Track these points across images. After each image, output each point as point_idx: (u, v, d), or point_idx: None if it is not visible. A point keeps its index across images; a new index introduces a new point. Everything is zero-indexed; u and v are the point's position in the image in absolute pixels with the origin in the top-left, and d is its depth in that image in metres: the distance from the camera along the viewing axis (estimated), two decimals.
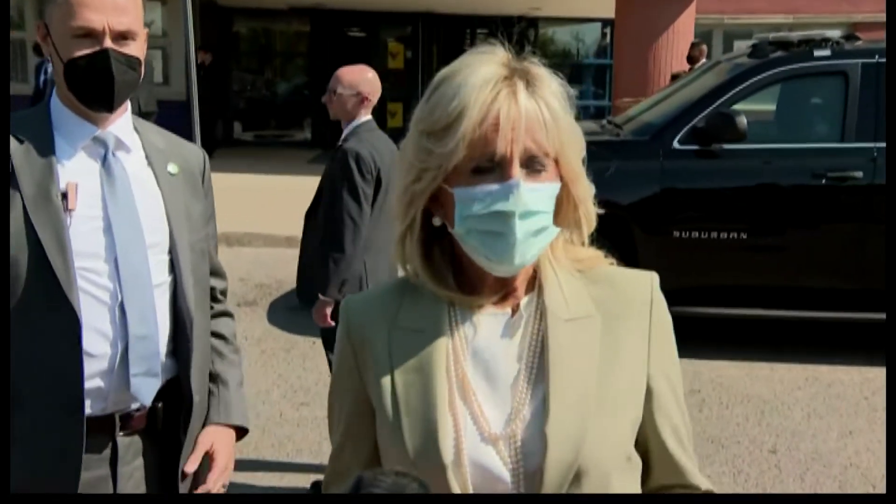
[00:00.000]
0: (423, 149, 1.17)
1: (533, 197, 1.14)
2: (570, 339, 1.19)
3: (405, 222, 1.22)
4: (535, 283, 1.24)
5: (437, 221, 1.21)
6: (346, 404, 1.27)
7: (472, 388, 1.18)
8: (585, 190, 1.23)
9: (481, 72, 1.16)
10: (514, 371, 1.19)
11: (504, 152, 1.13)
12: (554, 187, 1.17)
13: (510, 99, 1.14)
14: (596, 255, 1.28)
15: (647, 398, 1.22)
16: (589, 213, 1.24)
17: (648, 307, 1.24)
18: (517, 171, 1.14)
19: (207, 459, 1.92)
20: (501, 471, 1.15)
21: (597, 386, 1.17)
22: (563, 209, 1.21)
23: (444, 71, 1.20)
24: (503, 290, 1.23)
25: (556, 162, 1.18)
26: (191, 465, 1.88)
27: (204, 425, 1.95)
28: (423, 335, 1.21)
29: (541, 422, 1.15)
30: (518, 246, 1.14)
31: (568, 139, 1.18)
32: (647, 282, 1.27)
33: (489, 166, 1.15)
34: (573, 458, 1.13)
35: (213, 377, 1.99)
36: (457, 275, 1.24)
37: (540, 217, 1.16)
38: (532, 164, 1.15)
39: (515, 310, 1.23)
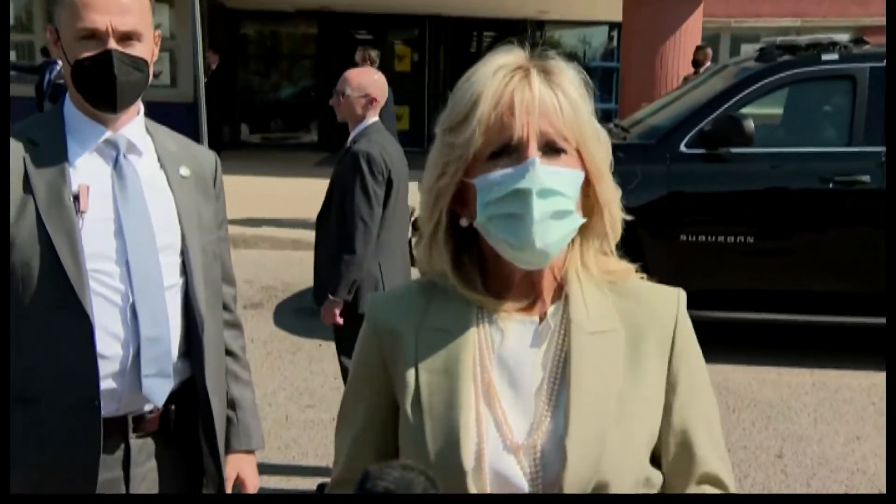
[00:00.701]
0: (446, 145, 1.19)
1: (551, 177, 1.14)
2: (594, 353, 1.19)
3: (432, 222, 1.22)
4: (561, 293, 1.23)
5: (464, 222, 1.21)
6: (364, 399, 1.27)
7: (498, 395, 1.18)
8: (611, 191, 1.22)
9: (496, 62, 1.18)
10: (539, 380, 1.19)
11: (520, 135, 1.14)
12: (575, 173, 1.17)
13: (524, 84, 1.15)
14: (627, 269, 1.27)
15: (664, 414, 1.21)
16: (614, 217, 1.23)
17: (672, 325, 1.24)
18: (534, 151, 1.14)
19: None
20: (521, 481, 1.14)
21: (617, 401, 1.17)
22: (592, 211, 1.21)
23: (464, 75, 1.22)
24: (530, 293, 1.22)
25: (579, 153, 1.18)
26: None
27: (226, 451, 2.00)
28: (450, 337, 1.20)
29: (561, 434, 1.14)
30: (537, 226, 1.13)
31: (588, 130, 1.18)
32: (673, 299, 1.26)
33: (507, 151, 1.15)
34: (592, 472, 1.13)
35: (231, 402, 2.03)
36: (485, 280, 1.24)
37: (560, 199, 1.14)
38: (551, 148, 1.15)
39: (543, 318, 1.22)
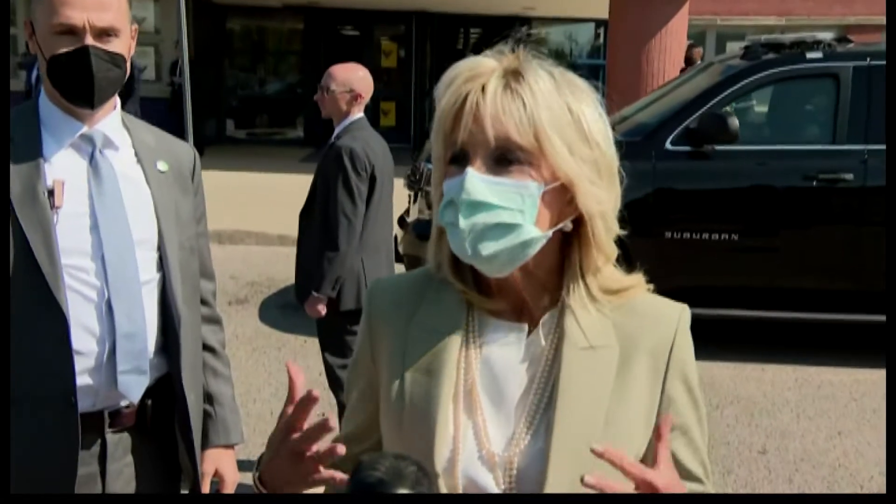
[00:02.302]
0: (433, 149, 1.19)
1: (486, 189, 1.09)
2: (584, 370, 1.14)
3: (435, 220, 1.21)
4: (557, 302, 1.18)
5: None
6: (360, 379, 1.28)
7: (479, 401, 1.16)
8: (595, 203, 1.14)
9: (464, 66, 1.14)
10: (523, 392, 1.16)
11: (465, 142, 1.11)
12: (522, 185, 1.10)
13: (478, 92, 1.11)
14: (633, 288, 1.21)
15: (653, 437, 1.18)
16: (595, 231, 1.15)
17: (670, 343, 1.19)
18: (476, 162, 1.10)
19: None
20: (494, 491, 1.12)
21: (604, 423, 1.13)
22: (581, 221, 1.16)
23: None
24: (513, 299, 1.19)
25: (548, 162, 1.11)
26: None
27: (204, 446, 1.99)
28: (438, 336, 1.18)
29: (541, 454, 1.12)
30: (467, 236, 1.10)
31: (555, 138, 1.10)
32: (675, 316, 1.22)
33: (458, 159, 1.13)
34: (569, 491, 1.10)
35: (209, 397, 2.03)
36: (476, 281, 1.21)
37: (498, 212, 1.09)
38: (503, 159, 1.10)
39: (534, 328, 1.18)
